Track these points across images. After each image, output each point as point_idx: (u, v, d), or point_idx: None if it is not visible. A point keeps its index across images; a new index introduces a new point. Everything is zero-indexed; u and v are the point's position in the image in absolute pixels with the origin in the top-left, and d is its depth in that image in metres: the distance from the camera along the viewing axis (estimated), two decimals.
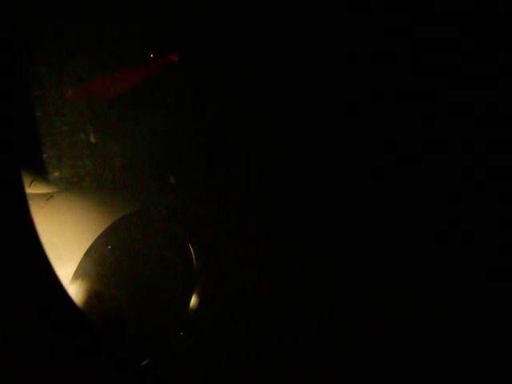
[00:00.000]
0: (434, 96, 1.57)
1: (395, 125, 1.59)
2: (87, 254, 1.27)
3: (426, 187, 1.60)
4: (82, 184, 1.42)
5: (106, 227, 1.32)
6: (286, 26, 1.54)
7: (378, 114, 1.59)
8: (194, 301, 1.45)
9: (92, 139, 1.43)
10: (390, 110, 1.58)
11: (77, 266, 1.25)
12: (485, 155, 1.57)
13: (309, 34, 1.55)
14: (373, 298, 1.55)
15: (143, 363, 1.31)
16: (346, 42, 1.56)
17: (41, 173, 1.35)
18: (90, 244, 1.28)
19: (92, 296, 1.28)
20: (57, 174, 1.38)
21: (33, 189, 1.30)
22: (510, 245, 1.54)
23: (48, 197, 1.33)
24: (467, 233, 1.57)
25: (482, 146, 1.58)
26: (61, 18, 1.37)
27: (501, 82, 1.54)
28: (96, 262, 1.30)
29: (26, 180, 1.27)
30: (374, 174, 1.59)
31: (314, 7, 1.54)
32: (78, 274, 1.25)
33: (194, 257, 1.47)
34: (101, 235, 1.31)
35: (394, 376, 1.49)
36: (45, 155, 1.36)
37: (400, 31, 1.54)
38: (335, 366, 1.49)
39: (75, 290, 1.25)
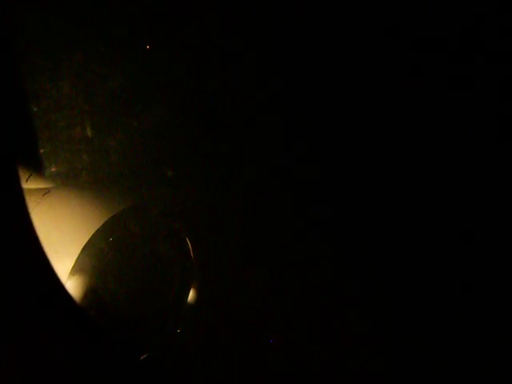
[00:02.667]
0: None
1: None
2: (85, 249, 1.28)
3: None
4: (79, 179, 1.42)
5: (103, 222, 1.32)
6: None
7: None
8: (191, 296, 1.45)
9: (89, 134, 1.43)
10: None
11: (74, 261, 1.26)
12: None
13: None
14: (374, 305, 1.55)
15: (141, 357, 1.32)
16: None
17: (37, 168, 1.34)
18: (87, 239, 1.29)
19: (90, 291, 1.28)
20: (54, 169, 1.38)
21: (29, 184, 1.30)
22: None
23: (45, 192, 1.33)
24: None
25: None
26: (58, 12, 1.36)
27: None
28: (93, 257, 1.30)
29: (23, 175, 1.27)
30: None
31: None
32: (75, 269, 1.26)
33: (191, 251, 1.48)
34: (98, 230, 1.31)
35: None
36: (41, 150, 1.35)
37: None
38: (335, 366, 1.50)
39: (73, 285, 1.25)
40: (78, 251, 1.27)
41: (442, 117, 1.57)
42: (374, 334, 1.53)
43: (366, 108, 1.57)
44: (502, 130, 1.54)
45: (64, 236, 1.28)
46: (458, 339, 1.51)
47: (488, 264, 1.53)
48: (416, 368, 1.51)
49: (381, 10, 1.51)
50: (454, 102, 1.55)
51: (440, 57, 1.53)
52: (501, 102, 1.53)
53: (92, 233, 1.30)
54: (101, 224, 1.33)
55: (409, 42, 1.52)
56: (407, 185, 1.58)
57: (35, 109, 1.34)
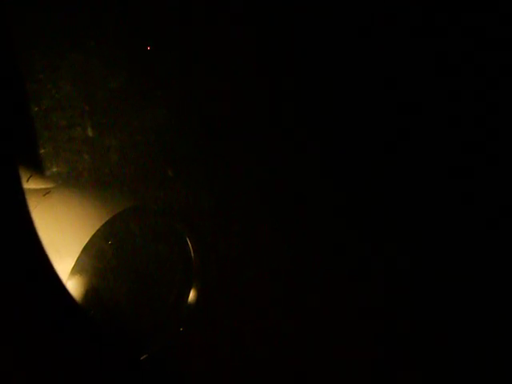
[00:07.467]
0: None
1: None
2: (85, 248, 1.27)
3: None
4: (80, 179, 1.42)
5: (104, 222, 1.32)
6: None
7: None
8: (192, 295, 1.45)
9: (90, 134, 1.43)
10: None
11: (75, 260, 1.26)
12: None
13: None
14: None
15: (142, 357, 1.32)
16: None
17: (38, 168, 1.35)
18: (88, 239, 1.29)
19: (90, 291, 1.28)
20: (54, 169, 1.38)
21: (30, 184, 1.30)
22: None
23: (45, 192, 1.33)
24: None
25: None
26: (58, 12, 1.36)
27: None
28: (94, 256, 1.30)
29: (23, 175, 1.27)
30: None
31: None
32: (76, 269, 1.25)
33: (192, 251, 1.47)
34: (99, 230, 1.31)
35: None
36: (42, 150, 1.36)
37: None
38: (336, 367, 1.50)
39: (73, 285, 1.25)
40: (79, 251, 1.27)
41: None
42: (376, 333, 1.53)
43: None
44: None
45: (65, 236, 1.28)
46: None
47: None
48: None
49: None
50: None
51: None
52: None
53: (93, 233, 1.30)
54: (102, 224, 1.33)
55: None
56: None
57: (35, 109, 1.34)
